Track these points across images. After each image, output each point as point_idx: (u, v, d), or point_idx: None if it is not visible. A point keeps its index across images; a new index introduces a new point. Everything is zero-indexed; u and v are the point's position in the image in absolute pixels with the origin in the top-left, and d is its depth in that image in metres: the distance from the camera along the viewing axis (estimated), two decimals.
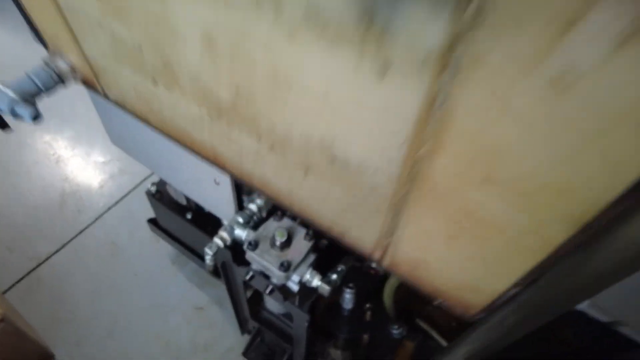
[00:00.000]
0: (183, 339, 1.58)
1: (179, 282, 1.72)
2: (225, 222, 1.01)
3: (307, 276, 0.94)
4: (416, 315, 1.42)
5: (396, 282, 1.12)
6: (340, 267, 0.99)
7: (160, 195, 1.48)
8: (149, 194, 1.48)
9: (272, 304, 1.16)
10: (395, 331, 1.30)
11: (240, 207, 1.08)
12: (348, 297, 1.14)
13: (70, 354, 1.52)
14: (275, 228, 0.93)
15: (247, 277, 0.93)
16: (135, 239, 1.85)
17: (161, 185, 1.49)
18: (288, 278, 0.92)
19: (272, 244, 0.92)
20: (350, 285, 1.13)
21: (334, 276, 0.96)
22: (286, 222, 0.97)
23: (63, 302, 1.65)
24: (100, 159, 2.14)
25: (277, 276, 0.91)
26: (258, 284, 0.95)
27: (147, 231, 1.77)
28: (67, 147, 2.19)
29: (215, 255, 1.00)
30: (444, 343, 1.34)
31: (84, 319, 1.61)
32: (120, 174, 2.07)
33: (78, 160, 2.14)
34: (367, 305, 1.15)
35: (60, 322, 1.60)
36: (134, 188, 2.01)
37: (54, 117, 2.28)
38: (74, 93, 2.36)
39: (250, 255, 0.92)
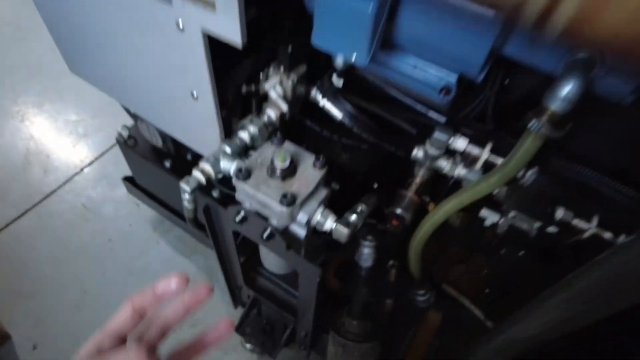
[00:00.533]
0: None
1: (161, 250, 1.49)
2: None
3: (318, 216, 0.70)
4: (441, 281, 1.20)
5: (427, 234, 0.89)
6: (360, 207, 0.76)
7: (134, 142, 1.23)
8: (120, 140, 1.23)
9: (272, 262, 0.92)
10: (421, 298, 1.07)
11: (228, 134, 0.84)
12: (367, 252, 0.90)
13: (30, 333, 1.28)
14: (273, 152, 0.69)
15: (238, 219, 0.70)
16: (110, 202, 1.61)
17: (134, 130, 1.24)
18: (292, 218, 0.69)
19: (271, 173, 0.68)
20: (369, 237, 0.90)
21: (353, 217, 0.73)
22: (289, 146, 0.73)
23: (24, 273, 1.41)
24: (73, 117, 1.88)
25: (277, 214, 0.67)
26: (252, 229, 0.71)
27: (124, 194, 1.53)
28: (34, 104, 1.92)
29: (194, 194, 0.76)
30: (478, 313, 1.12)
31: (48, 292, 1.37)
32: (95, 133, 1.81)
33: (46, 118, 1.88)
34: (391, 263, 0.92)
35: (20, 296, 1.37)
36: (110, 148, 1.76)
37: (20, 69, 2.01)
38: (44, 44, 2.07)
39: (241, 187, 0.68)
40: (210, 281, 1.42)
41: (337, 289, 1.06)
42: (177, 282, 0.45)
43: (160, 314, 0.46)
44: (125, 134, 1.22)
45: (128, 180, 1.45)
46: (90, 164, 1.73)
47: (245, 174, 0.67)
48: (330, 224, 0.70)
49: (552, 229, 0.80)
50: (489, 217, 0.83)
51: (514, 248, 0.84)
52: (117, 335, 0.43)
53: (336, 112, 0.89)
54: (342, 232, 0.70)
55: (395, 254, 0.97)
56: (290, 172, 0.68)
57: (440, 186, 0.97)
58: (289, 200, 0.64)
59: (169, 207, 1.39)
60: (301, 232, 0.72)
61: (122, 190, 1.50)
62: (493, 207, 0.84)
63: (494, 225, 0.88)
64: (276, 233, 0.69)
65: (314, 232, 0.74)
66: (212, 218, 0.81)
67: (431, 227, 0.87)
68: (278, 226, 0.70)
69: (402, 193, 0.90)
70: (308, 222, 0.70)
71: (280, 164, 0.67)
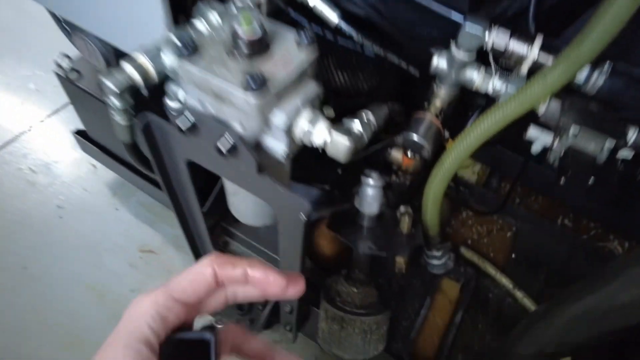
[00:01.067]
0: (124, 289, 1.11)
1: (121, 217, 1.25)
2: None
3: (303, 121, 0.47)
4: (459, 245, 0.98)
5: (451, 170, 0.66)
6: (366, 116, 0.53)
7: (78, 75, 0.99)
8: (61, 73, 0.98)
9: (242, 206, 0.68)
10: (437, 261, 0.84)
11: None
12: (371, 195, 0.67)
13: None
14: (235, 15, 0.46)
15: (184, 126, 0.46)
16: (62, 164, 1.36)
17: (80, 63, 1.00)
18: (265, 120, 0.45)
19: (231, 50, 0.45)
20: (374, 174, 0.67)
21: (356, 125, 0.50)
22: (259, 16, 0.49)
23: None
24: (24, 71, 1.62)
25: (242, 111, 0.44)
26: (205, 140, 0.48)
27: (79, 156, 1.29)
28: None
29: (123, 96, 0.52)
30: (505, 282, 0.90)
31: None
32: (49, 89, 1.56)
33: None
34: (403, 209, 0.69)
35: None
36: (66, 105, 1.51)
37: None
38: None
39: (185, 70, 0.45)
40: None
41: (331, 255, 0.83)
42: (282, 285, 0.35)
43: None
44: (65, 64, 0.97)
45: (80, 134, 1.20)
46: (42, 122, 1.48)
47: (190, 47, 0.44)
48: (322, 132, 0.47)
49: (626, 152, 0.58)
50: (539, 137, 0.61)
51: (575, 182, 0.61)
52: (184, 300, 0.34)
53: (330, 14, 0.65)
54: (341, 145, 0.47)
55: (408, 202, 0.75)
56: (260, 48, 0.45)
57: (463, 120, 0.75)
58: (258, 82, 0.41)
59: (128, 165, 1.15)
60: (279, 146, 0.49)
61: (77, 152, 1.26)
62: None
63: (541, 158, 0.66)
64: (240, 144, 0.45)
65: (301, 153, 0.51)
66: (156, 143, 0.58)
67: (458, 159, 0.64)
68: (245, 135, 0.47)
69: (419, 116, 0.67)
70: (289, 129, 0.47)
71: (246, 32, 0.43)
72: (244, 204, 0.65)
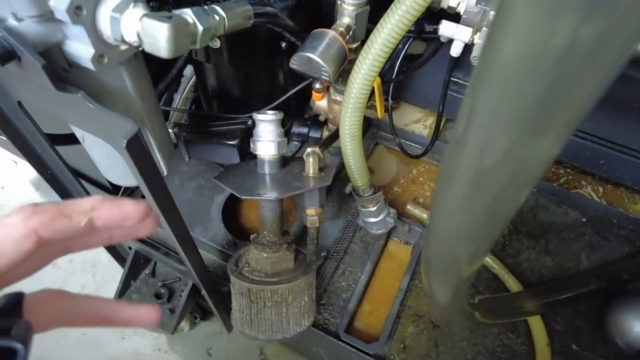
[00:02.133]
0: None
1: None
2: None
3: (106, 6, 0.34)
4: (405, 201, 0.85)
5: (361, 101, 0.54)
6: (210, 7, 0.40)
7: None
8: None
9: (95, 153, 0.54)
10: (373, 219, 0.72)
11: None
12: (262, 130, 0.55)
13: None
14: None
15: None
16: None
17: None
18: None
19: None
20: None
21: (188, 13, 0.37)
22: None
23: None
24: None
25: None
26: None
27: None
28: None
29: None
30: None
31: None
32: None
33: None
34: (309, 151, 0.57)
35: None
36: None
37: None
38: None
39: None
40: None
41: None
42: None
43: None
44: None
45: None
46: None
47: None
48: (132, 20, 0.35)
49: None
50: (455, 33, 0.48)
51: None
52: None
53: None
54: (158, 30, 0.34)
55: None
56: None
57: None
58: None
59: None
60: (83, 49, 0.36)
61: None
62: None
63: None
64: (14, 43, 0.33)
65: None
66: None
67: (367, 76, 0.52)
68: (20, 26, 0.34)
69: (317, 31, 0.55)
70: (92, 24, 0.34)
71: None
72: (96, 152, 0.52)
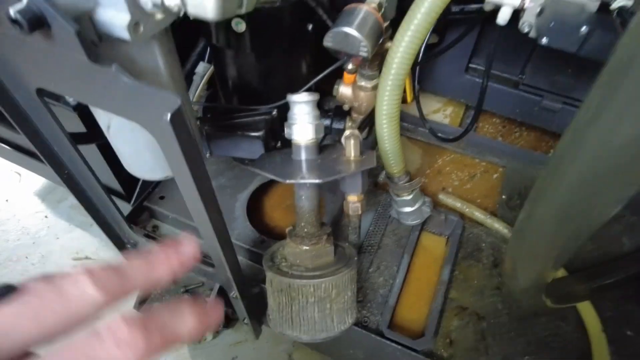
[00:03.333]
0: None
1: (50, 225, 1.07)
2: None
3: None
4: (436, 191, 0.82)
5: (400, 79, 0.50)
6: None
7: None
8: None
9: (120, 143, 0.50)
10: (409, 209, 0.68)
11: None
12: (299, 113, 0.51)
13: None
14: None
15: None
16: None
17: None
18: None
19: None
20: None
21: None
22: None
23: None
24: None
25: None
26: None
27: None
28: None
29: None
30: (499, 227, 0.74)
31: None
32: None
33: None
34: (347, 133, 0.53)
35: None
36: None
37: None
38: None
39: None
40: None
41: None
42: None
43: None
44: None
45: None
46: None
47: None
48: None
49: None
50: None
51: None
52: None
53: None
54: None
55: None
56: None
57: None
58: None
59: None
60: (119, 16, 0.33)
61: None
62: None
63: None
64: (45, 6, 0.29)
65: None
66: None
67: (408, 51, 0.48)
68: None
69: (351, 6, 0.52)
70: None
71: None
72: (122, 143, 0.48)
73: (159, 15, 0.36)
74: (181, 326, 0.25)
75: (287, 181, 0.48)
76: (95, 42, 0.37)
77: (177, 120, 0.34)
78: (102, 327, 0.22)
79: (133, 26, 0.35)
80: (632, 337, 0.64)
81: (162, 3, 0.33)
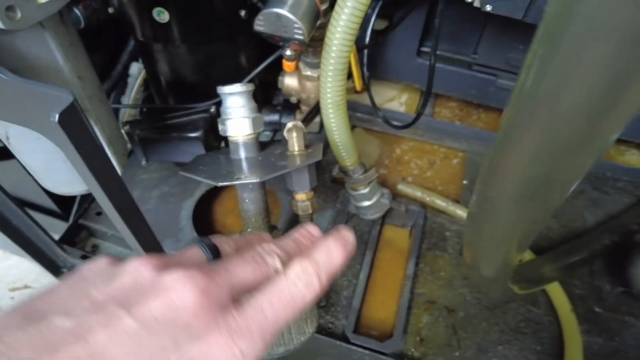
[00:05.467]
0: None
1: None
2: None
3: None
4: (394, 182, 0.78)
5: (342, 64, 0.46)
6: None
7: None
8: None
9: (24, 154, 0.44)
10: (367, 202, 0.64)
11: None
12: (231, 105, 0.46)
13: None
14: None
15: None
16: None
17: None
18: None
19: None
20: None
21: None
22: None
23: None
24: None
25: None
26: None
27: None
28: None
29: None
30: (462, 214, 0.71)
31: None
32: None
33: None
34: (290, 126, 0.48)
35: None
36: None
37: None
38: None
39: None
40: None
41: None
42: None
43: None
44: None
45: None
46: None
47: None
48: None
49: None
50: None
51: None
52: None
53: None
54: None
55: None
56: None
57: None
58: None
59: None
60: None
61: None
62: None
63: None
64: None
65: None
66: None
67: (347, 33, 0.44)
68: None
69: None
70: None
71: None
72: (28, 154, 0.41)
73: None
74: (336, 261, 0.26)
75: (219, 184, 0.42)
76: None
77: (70, 120, 0.28)
78: (294, 269, 0.24)
79: (5, 11, 0.29)
80: (601, 313, 0.63)
81: None
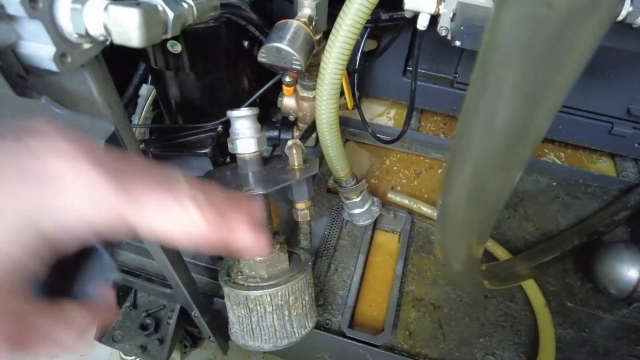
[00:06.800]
0: None
1: None
2: None
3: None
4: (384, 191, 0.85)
5: (335, 86, 0.53)
6: None
7: None
8: None
9: None
10: (359, 210, 0.71)
11: None
12: (239, 127, 0.53)
13: None
14: None
15: None
16: None
17: None
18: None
19: None
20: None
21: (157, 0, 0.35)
22: None
23: None
24: None
25: None
26: None
27: None
28: None
29: None
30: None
31: None
32: None
33: None
34: (290, 143, 0.55)
35: None
36: None
37: None
38: None
39: None
40: None
41: None
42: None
43: None
44: None
45: None
46: None
47: None
48: (96, 10, 0.32)
49: None
50: (419, 4, 0.49)
51: None
52: None
53: None
54: (129, 16, 0.32)
55: None
56: None
57: None
58: None
59: None
60: (43, 49, 0.33)
61: None
62: None
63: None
64: None
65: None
66: None
67: (341, 57, 0.51)
68: None
69: (281, 22, 0.54)
70: (51, 16, 0.31)
71: None
72: None
73: (86, 45, 0.37)
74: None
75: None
76: (22, 74, 0.37)
77: (113, 145, 0.35)
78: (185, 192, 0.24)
79: (60, 57, 0.35)
80: (572, 307, 0.70)
81: (87, 33, 0.34)
